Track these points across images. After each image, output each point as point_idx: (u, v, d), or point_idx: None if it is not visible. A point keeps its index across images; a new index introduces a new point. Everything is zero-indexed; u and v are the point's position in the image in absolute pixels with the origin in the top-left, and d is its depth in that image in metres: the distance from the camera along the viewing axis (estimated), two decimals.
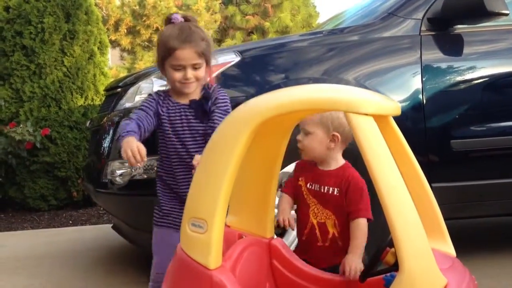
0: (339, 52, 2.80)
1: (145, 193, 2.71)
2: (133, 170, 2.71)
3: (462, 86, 2.80)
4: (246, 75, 2.70)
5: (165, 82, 2.75)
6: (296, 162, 1.93)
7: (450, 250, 1.61)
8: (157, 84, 2.77)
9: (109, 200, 2.96)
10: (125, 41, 9.04)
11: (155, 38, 8.98)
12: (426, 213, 1.53)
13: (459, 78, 2.81)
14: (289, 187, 1.87)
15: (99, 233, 4.35)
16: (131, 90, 2.90)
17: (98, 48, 5.38)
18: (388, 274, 1.42)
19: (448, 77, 2.79)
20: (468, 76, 2.82)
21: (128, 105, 2.87)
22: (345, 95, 1.42)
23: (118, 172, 2.78)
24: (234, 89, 2.67)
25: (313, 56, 2.80)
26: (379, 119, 1.39)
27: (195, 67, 1.89)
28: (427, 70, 2.73)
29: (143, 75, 2.97)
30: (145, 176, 2.69)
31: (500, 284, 2.62)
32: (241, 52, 2.74)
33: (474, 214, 2.93)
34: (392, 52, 2.81)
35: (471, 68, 2.82)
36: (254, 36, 10.93)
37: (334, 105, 1.41)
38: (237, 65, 2.69)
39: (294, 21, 11.32)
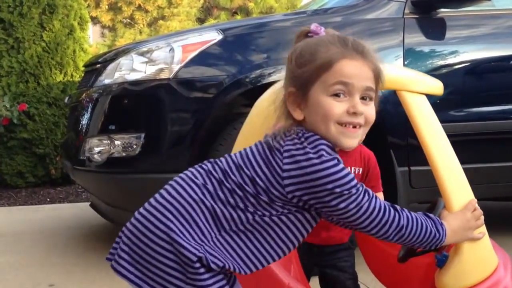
0: None
1: (123, 171, 2.71)
2: (111, 147, 2.67)
3: (444, 70, 2.80)
4: (228, 54, 2.66)
5: (145, 59, 2.74)
6: None
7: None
8: (137, 60, 2.73)
9: (87, 177, 2.93)
10: (106, 18, 8.89)
11: (137, 15, 8.87)
12: None
13: (440, 62, 2.81)
14: None
15: (77, 211, 4.32)
16: (111, 66, 2.85)
17: (78, 23, 5.28)
18: (440, 254, 1.35)
19: (429, 61, 2.79)
20: (450, 60, 2.82)
21: (107, 81, 2.83)
22: (400, 74, 1.46)
23: (96, 149, 2.75)
24: (215, 67, 2.64)
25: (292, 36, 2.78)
26: None
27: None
28: (409, 53, 2.73)
29: (122, 51, 2.92)
30: (124, 154, 2.66)
31: None
32: (223, 31, 2.70)
33: None
34: (375, 34, 2.79)
35: (453, 53, 2.82)
36: (238, 16, 10.83)
37: (388, 83, 1.38)
38: (219, 43, 2.65)
39: (279, 2, 11.24)
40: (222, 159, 1.23)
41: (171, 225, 1.14)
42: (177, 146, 2.62)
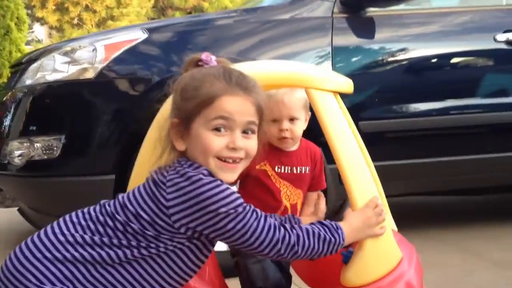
0: (249, 32, 2.75)
1: (44, 175, 2.61)
2: (31, 150, 2.57)
3: (372, 69, 2.81)
4: (153, 53, 2.61)
5: (68, 59, 2.65)
6: None
7: (394, 226, 1.64)
8: (59, 60, 2.64)
9: (9, 182, 2.82)
10: (53, 19, 8.67)
11: (84, 15, 8.69)
12: None
13: (369, 61, 2.82)
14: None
15: (11, 216, 4.16)
16: (33, 66, 2.75)
17: (15, 24, 5.12)
18: (346, 250, 1.38)
19: (358, 60, 2.80)
20: (378, 59, 2.83)
21: (29, 82, 2.73)
22: (307, 72, 1.45)
23: (17, 152, 2.64)
24: (139, 67, 2.58)
25: (224, 35, 2.75)
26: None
27: None
28: (337, 53, 2.72)
29: (46, 51, 2.82)
30: (45, 157, 2.57)
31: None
32: (149, 30, 2.64)
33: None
34: (304, 33, 2.78)
35: (381, 52, 2.84)
36: None
37: (295, 81, 1.42)
38: (143, 42, 2.59)
39: (234, 2, 11.22)
40: (111, 202, 1.21)
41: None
42: (100, 148, 2.54)
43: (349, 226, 1.26)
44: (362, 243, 1.31)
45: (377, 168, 2.66)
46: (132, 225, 1.14)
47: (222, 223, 1.13)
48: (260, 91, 1.24)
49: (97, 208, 1.19)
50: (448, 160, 2.91)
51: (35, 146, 2.57)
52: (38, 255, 1.12)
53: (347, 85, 1.53)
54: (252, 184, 1.70)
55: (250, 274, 1.59)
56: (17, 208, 3.35)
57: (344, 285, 1.31)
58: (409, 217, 3.91)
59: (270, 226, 1.16)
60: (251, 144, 1.22)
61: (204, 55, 1.24)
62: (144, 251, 1.14)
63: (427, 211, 4.16)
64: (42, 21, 8.95)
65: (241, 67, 1.30)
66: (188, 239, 1.17)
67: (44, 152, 2.55)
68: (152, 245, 1.14)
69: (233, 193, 1.14)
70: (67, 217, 1.19)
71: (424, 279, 2.36)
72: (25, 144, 2.61)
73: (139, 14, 9.32)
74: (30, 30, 15.49)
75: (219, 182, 1.14)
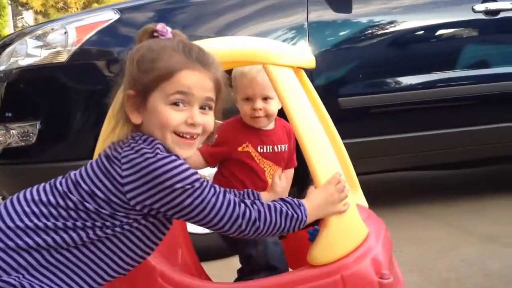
0: (220, 11, 2.69)
1: (21, 162, 2.58)
2: (7, 137, 2.54)
3: (349, 44, 2.77)
4: (126, 34, 2.55)
5: (40, 43, 2.60)
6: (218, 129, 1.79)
7: (363, 202, 1.65)
8: (31, 44, 2.59)
9: None
10: (37, 3, 8.55)
11: None
12: (341, 167, 1.51)
13: (345, 36, 2.77)
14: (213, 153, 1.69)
15: None
16: (6, 52, 2.69)
17: None
18: (312, 228, 1.37)
19: (334, 35, 2.76)
20: (355, 34, 2.79)
21: (2, 67, 2.67)
22: (264, 47, 1.41)
23: None
24: (112, 48, 2.53)
25: (202, 13, 2.69)
26: (295, 72, 1.40)
27: None
28: (313, 28, 2.68)
29: (19, 36, 2.77)
30: (22, 144, 2.53)
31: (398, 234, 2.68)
32: (120, 10, 2.59)
33: (367, 170, 2.94)
34: (279, 9, 2.73)
35: (358, 26, 2.79)
36: None
37: (253, 57, 1.38)
38: (115, 23, 2.54)
39: None
40: (62, 180, 1.16)
41: None
42: (77, 133, 2.51)
43: (311, 203, 1.24)
44: (327, 221, 1.29)
45: (363, 144, 2.69)
46: (87, 204, 1.11)
47: (179, 199, 1.09)
48: (219, 67, 1.21)
49: (47, 188, 1.15)
50: (431, 134, 2.89)
51: (11, 133, 2.54)
52: None
53: (307, 60, 1.49)
54: (236, 166, 1.69)
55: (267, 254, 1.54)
56: (0, 197, 3.32)
57: (311, 263, 1.29)
58: (395, 193, 3.92)
59: (229, 201, 1.14)
60: (209, 120, 1.20)
61: (160, 26, 1.20)
62: (99, 232, 1.11)
63: (414, 186, 4.16)
64: (27, 6, 8.81)
65: (200, 43, 1.26)
66: (144, 217, 1.14)
67: (21, 138, 2.52)
68: (108, 223, 1.11)
69: (189, 168, 1.11)
70: (14, 199, 1.14)
71: (409, 253, 2.38)
72: (1, 131, 2.57)
73: None
74: (20, 16, 15.36)
75: (174, 157, 1.11)
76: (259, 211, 1.16)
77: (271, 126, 1.73)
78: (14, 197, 1.16)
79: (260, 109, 1.64)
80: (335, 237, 1.30)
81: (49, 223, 1.10)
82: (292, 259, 1.61)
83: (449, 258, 2.36)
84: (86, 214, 1.11)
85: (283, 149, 1.72)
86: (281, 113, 1.69)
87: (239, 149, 1.68)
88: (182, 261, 1.77)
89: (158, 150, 1.11)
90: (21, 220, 1.10)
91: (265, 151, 1.69)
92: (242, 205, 1.15)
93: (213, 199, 1.12)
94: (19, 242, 1.09)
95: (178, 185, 1.08)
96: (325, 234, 1.30)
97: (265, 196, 1.49)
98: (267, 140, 1.70)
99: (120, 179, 1.10)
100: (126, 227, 1.13)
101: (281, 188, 1.54)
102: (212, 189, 1.13)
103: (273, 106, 1.66)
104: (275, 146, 1.71)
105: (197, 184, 1.10)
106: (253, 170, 1.68)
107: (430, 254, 2.43)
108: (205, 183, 1.12)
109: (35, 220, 1.10)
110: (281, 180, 1.57)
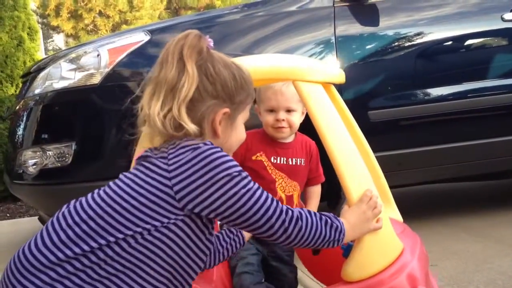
0: (247, 28, 2.73)
1: (58, 182, 2.64)
2: (43, 158, 2.61)
3: (377, 57, 2.77)
4: (155, 54, 2.60)
5: (74, 66, 2.67)
6: None
7: (398, 216, 1.62)
8: (65, 68, 2.67)
9: (25, 191, 2.86)
10: (68, 26, 8.76)
11: (98, 21, 8.76)
12: (374, 181, 1.50)
13: (373, 49, 2.77)
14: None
15: (37, 225, 4.23)
16: (41, 75, 2.79)
17: (27, 34, 5.19)
18: (346, 244, 1.35)
19: (362, 49, 2.76)
20: (383, 47, 2.79)
21: (38, 91, 2.76)
22: (292, 64, 1.41)
23: (31, 161, 2.68)
24: (144, 69, 2.58)
25: (230, 31, 2.74)
26: (324, 87, 1.41)
27: None
28: (341, 42, 2.69)
29: (54, 59, 2.85)
30: (58, 164, 2.60)
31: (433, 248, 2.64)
32: (151, 31, 2.65)
33: (394, 184, 2.92)
34: (306, 24, 2.75)
35: (386, 39, 2.79)
36: None
37: (281, 74, 1.39)
38: (146, 44, 2.59)
39: None
40: (95, 196, 1.18)
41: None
42: (111, 152, 2.56)
43: (347, 223, 1.22)
44: (361, 236, 1.29)
45: (392, 157, 2.67)
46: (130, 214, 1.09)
47: (226, 187, 1.07)
48: None
49: (78, 207, 1.16)
50: (464, 145, 2.85)
51: (47, 154, 2.61)
52: (35, 266, 1.09)
53: (337, 76, 1.49)
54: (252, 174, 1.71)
55: None
56: (37, 217, 3.40)
57: (345, 280, 1.29)
58: (429, 205, 3.87)
59: (272, 197, 1.13)
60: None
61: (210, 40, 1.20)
62: (141, 240, 1.08)
63: (446, 199, 4.10)
64: (58, 29, 9.04)
65: None
66: (185, 217, 1.10)
67: (57, 159, 2.58)
68: (149, 226, 1.08)
69: (234, 161, 1.11)
70: (49, 227, 1.14)
71: (444, 267, 2.34)
72: (38, 152, 2.64)
73: (153, 16, 9.35)
74: (50, 39, 15.69)
75: (220, 149, 1.11)
76: (300, 212, 1.15)
77: (290, 139, 1.76)
78: (49, 224, 1.15)
79: (283, 120, 1.67)
80: (369, 252, 1.29)
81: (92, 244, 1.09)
82: (326, 276, 1.60)
83: (487, 271, 2.32)
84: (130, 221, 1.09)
85: (298, 163, 1.74)
86: (303, 129, 1.74)
87: (253, 157, 1.71)
88: (217, 277, 1.78)
89: (208, 143, 1.11)
90: (61, 251, 1.09)
91: (278, 162, 1.72)
92: (284, 206, 1.14)
93: (259, 191, 1.11)
94: (62, 272, 1.08)
95: (225, 173, 1.07)
96: (359, 250, 1.29)
97: None
98: (282, 152, 1.74)
99: (167, 174, 1.09)
100: (172, 227, 1.09)
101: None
102: (256, 184, 1.12)
103: (296, 118, 1.69)
104: (290, 159, 1.74)
105: (243, 174, 1.10)
106: (264, 179, 1.70)
107: (467, 267, 2.39)
108: (249, 177, 1.12)
109: (74, 248, 1.09)
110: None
